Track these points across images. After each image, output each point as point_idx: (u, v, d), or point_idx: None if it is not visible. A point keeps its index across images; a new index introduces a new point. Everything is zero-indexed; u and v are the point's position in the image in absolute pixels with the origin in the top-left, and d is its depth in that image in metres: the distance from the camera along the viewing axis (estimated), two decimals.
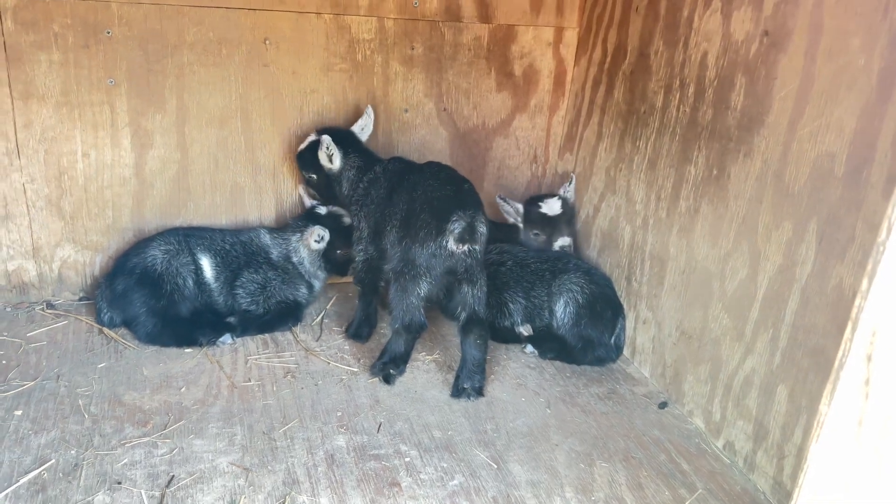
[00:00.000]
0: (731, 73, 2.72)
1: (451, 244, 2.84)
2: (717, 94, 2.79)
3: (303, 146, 3.42)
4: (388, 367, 3.07)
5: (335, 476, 2.49)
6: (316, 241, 3.41)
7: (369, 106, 3.46)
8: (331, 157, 3.32)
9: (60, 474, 2.40)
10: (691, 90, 2.93)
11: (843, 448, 1.54)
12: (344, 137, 3.38)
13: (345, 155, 3.35)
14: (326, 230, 3.42)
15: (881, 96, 2.14)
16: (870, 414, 1.41)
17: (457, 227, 2.83)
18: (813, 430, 1.54)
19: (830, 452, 1.57)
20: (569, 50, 3.72)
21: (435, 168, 3.12)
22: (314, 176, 3.43)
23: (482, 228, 2.93)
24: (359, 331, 3.38)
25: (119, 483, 2.38)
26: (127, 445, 2.55)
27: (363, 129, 3.47)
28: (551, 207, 3.64)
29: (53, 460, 2.45)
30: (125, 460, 2.48)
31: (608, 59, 3.48)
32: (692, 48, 2.92)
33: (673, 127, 3.05)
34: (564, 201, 3.67)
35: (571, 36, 3.69)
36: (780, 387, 2.51)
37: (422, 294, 2.93)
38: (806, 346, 2.41)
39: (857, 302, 1.36)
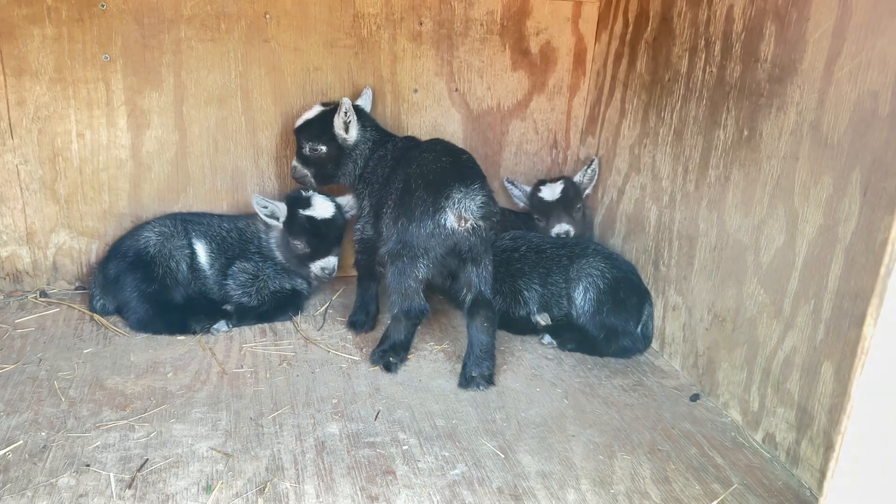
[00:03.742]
0: (760, 22, 2.48)
1: (451, 222, 2.60)
2: (746, 47, 2.55)
3: (310, 114, 3.14)
4: (388, 354, 2.84)
5: (324, 463, 2.26)
6: (265, 215, 3.10)
7: (368, 87, 3.28)
8: (347, 126, 3.07)
9: (26, 456, 2.22)
10: (717, 48, 2.69)
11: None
12: (358, 110, 3.16)
13: (362, 127, 3.13)
14: (272, 202, 3.09)
15: None
16: None
17: (458, 203, 2.59)
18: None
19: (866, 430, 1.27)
20: (588, 26, 3.50)
21: (432, 142, 2.91)
22: (323, 148, 3.10)
23: (490, 204, 2.69)
24: (354, 318, 3.16)
25: (87, 465, 2.19)
26: (102, 429, 2.37)
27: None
28: (550, 191, 3.39)
29: (21, 441, 2.29)
30: (98, 443, 2.30)
31: (630, 30, 3.26)
32: (717, 3, 2.69)
33: (699, 91, 2.80)
34: (570, 186, 3.41)
35: (591, 10, 3.48)
36: (825, 364, 2.21)
37: (420, 277, 2.69)
38: (853, 315, 2.11)
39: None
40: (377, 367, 2.83)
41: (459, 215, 2.59)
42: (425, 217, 2.60)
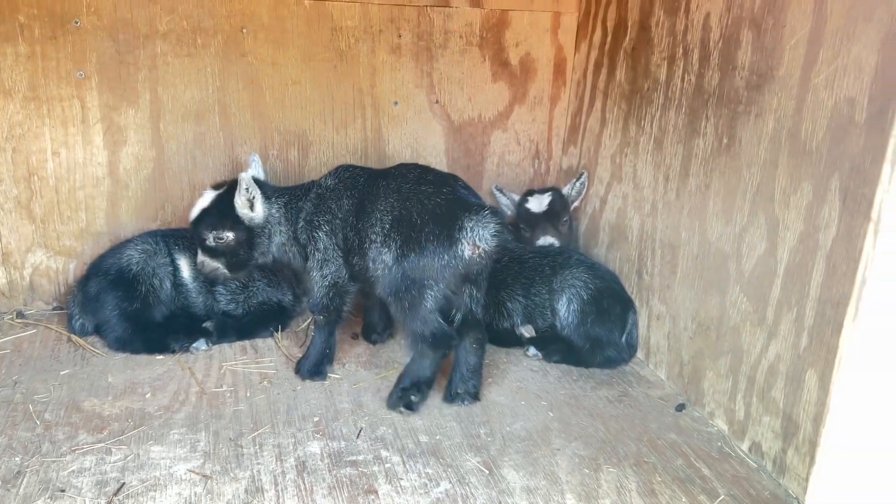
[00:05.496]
0: (737, 29, 2.47)
1: (467, 251, 2.50)
2: (723, 55, 2.54)
3: (204, 202, 2.86)
4: (410, 392, 2.64)
5: (305, 484, 2.22)
6: None
7: (254, 154, 3.00)
8: (252, 202, 2.82)
9: None
10: (695, 56, 2.68)
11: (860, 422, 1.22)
12: (256, 181, 2.86)
13: (266, 198, 2.86)
14: None
15: None
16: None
17: (472, 231, 2.49)
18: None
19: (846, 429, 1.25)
20: (568, 36, 3.50)
21: (417, 171, 2.74)
22: (230, 234, 2.83)
23: (503, 231, 2.58)
24: (320, 368, 2.87)
25: (62, 490, 2.14)
26: (77, 452, 2.32)
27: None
28: (538, 203, 3.37)
29: None
30: (73, 467, 2.25)
31: (608, 39, 3.26)
32: (694, 11, 2.69)
33: (678, 99, 2.79)
34: (558, 198, 3.39)
35: (570, 21, 3.48)
36: (809, 372, 2.19)
37: (431, 307, 2.56)
38: (835, 322, 2.09)
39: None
40: (360, 384, 2.79)
41: (473, 244, 2.50)
42: (440, 250, 2.50)
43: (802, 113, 2.21)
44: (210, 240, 2.86)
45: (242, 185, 2.79)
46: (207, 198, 2.88)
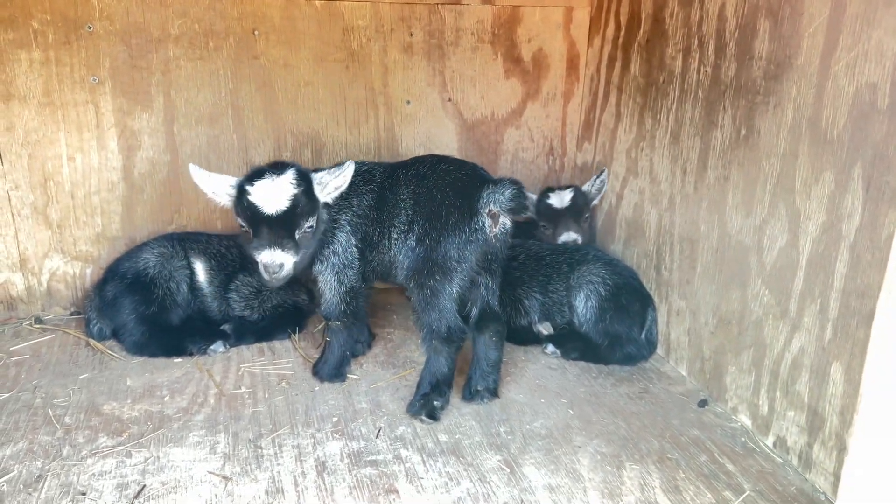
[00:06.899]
0: (753, 19, 2.44)
1: (488, 224, 2.48)
2: (740, 45, 2.51)
3: (290, 188, 2.47)
4: (431, 398, 2.58)
5: (325, 484, 2.21)
6: None
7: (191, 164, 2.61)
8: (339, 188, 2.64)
9: (21, 486, 2.17)
10: (711, 47, 2.65)
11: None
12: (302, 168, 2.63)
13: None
14: None
15: None
16: None
17: (489, 198, 2.46)
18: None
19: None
20: (580, 31, 3.48)
21: (434, 157, 2.75)
22: (313, 221, 2.57)
23: (521, 196, 2.49)
24: (340, 370, 2.83)
25: (83, 494, 2.14)
26: (98, 455, 2.32)
27: None
28: (559, 199, 3.35)
29: (16, 471, 2.24)
30: (94, 470, 2.25)
31: (622, 33, 3.23)
32: (709, 2, 2.66)
33: (695, 91, 2.76)
34: (579, 195, 3.37)
35: (582, 16, 3.46)
36: (835, 365, 2.15)
37: (454, 295, 2.53)
38: (861, 313, 2.06)
39: None
40: (378, 384, 2.78)
41: (490, 211, 2.48)
42: (461, 224, 2.48)
43: (823, 101, 2.17)
44: (301, 230, 2.53)
45: (349, 171, 2.58)
46: (286, 180, 2.49)
